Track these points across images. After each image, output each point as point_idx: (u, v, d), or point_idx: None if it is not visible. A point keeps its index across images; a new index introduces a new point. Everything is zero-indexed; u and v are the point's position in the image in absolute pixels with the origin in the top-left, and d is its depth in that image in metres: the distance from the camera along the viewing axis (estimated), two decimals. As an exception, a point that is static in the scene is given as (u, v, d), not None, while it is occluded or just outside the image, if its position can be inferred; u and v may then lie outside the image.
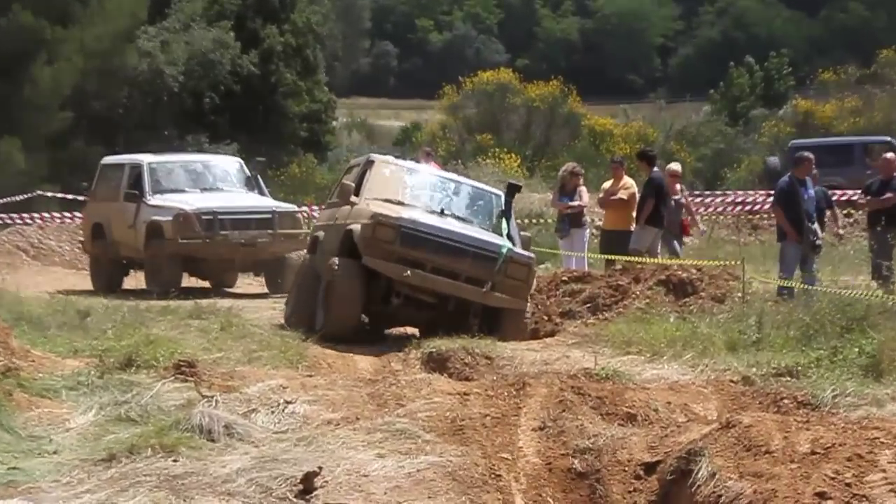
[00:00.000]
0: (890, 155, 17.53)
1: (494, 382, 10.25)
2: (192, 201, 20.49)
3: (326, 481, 7.38)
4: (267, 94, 33.84)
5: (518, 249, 14.28)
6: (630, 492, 8.00)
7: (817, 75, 47.07)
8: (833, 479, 6.76)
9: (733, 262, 15.81)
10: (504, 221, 14.80)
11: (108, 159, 23.68)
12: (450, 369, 12.02)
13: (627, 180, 18.60)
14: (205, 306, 15.46)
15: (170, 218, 20.11)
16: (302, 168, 34.63)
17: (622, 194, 18.23)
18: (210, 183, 21.70)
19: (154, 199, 20.82)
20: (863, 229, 20.70)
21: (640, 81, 79.99)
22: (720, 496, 7.15)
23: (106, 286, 20.48)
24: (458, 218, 14.53)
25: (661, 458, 8.07)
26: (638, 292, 15.01)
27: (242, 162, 22.89)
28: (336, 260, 13.92)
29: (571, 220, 18.73)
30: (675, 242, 18.55)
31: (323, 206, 17.28)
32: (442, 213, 14.50)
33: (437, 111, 47.70)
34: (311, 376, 11.29)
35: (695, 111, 50.19)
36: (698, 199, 30.05)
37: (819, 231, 15.88)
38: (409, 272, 13.54)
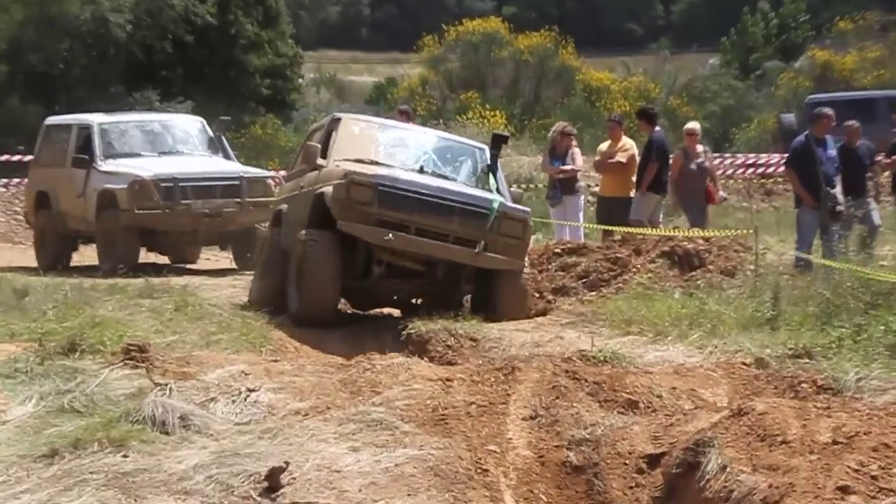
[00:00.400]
0: (916, 108, 17.59)
1: (480, 367, 10.28)
2: (149, 167, 20.16)
3: (294, 478, 7.39)
4: (224, 47, 33.73)
5: (511, 204, 14.14)
6: (632, 487, 8.02)
7: (835, 23, 47.01)
8: (857, 471, 6.79)
9: (745, 232, 15.83)
10: (491, 176, 14.63)
11: (53, 119, 23.38)
12: (431, 352, 12.03)
13: (627, 141, 18.58)
14: (157, 284, 15.44)
15: (124, 186, 19.75)
16: (265, 129, 34.52)
17: (621, 157, 18.23)
18: (169, 146, 21.40)
19: (106, 165, 20.50)
20: (889, 193, 20.71)
21: (641, 31, 79.90)
22: (732, 491, 7.17)
23: (52, 262, 20.31)
24: (439, 175, 14.43)
25: (666, 450, 8.09)
26: (639, 266, 15.03)
27: (205, 122, 22.52)
28: (306, 232, 13.75)
29: (564, 186, 18.64)
30: (698, 212, 18.14)
31: (285, 174, 17.02)
32: (421, 170, 14.37)
33: (414, 65, 47.60)
34: (276, 361, 11.29)
35: (701, 63, 50.19)
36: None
37: (840, 196, 15.87)
38: (390, 235, 13.29)
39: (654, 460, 8.11)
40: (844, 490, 6.65)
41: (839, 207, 15.82)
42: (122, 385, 9.42)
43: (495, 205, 13.61)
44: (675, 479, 7.80)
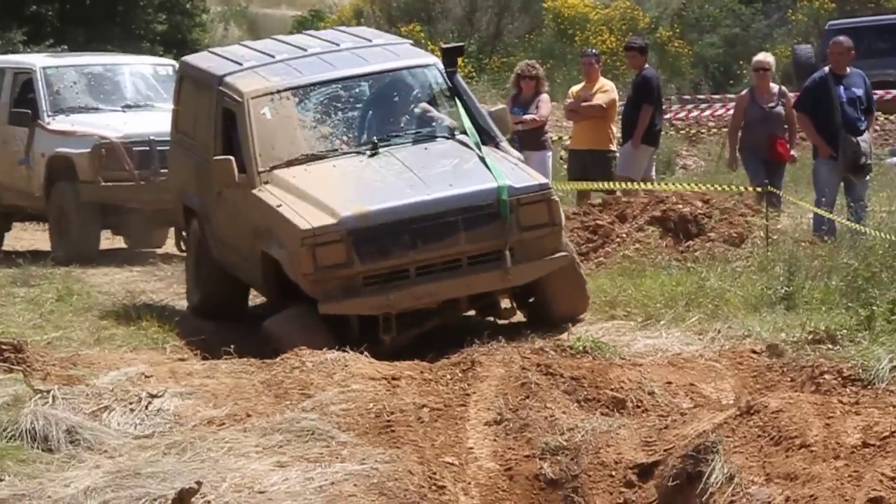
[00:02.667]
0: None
1: (432, 362, 10.31)
2: (116, 125, 18.81)
3: (208, 501, 7.44)
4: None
5: (520, 175, 12.59)
6: (619, 504, 8.14)
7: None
8: (893, 479, 6.90)
9: (753, 189, 15.92)
10: (458, 105, 13.21)
11: None
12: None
13: (605, 82, 18.57)
14: (33, 270, 15.43)
15: (85, 150, 18.41)
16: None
17: (599, 100, 18.22)
18: (134, 97, 19.99)
19: (56, 123, 19.21)
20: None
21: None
22: (740, 506, 7.28)
23: None
24: (398, 137, 13.03)
25: (661, 458, 8.20)
26: (624, 235, 15.09)
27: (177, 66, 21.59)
28: (272, 320, 12.24)
29: (526, 140, 18.54)
30: (763, 171, 16.62)
31: (171, 140, 15.20)
32: (374, 148, 12.87)
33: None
34: (183, 360, 11.34)
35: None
36: (704, 106, 30.29)
37: (864, 145, 15.98)
38: (391, 296, 11.92)
39: (645, 471, 8.22)
40: (877, 502, 6.76)
41: (864, 159, 15.92)
42: (-5, 393, 9.44)
43: (504, 192, 12.19)
44: (671, 492, 7.91)
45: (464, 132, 12.98)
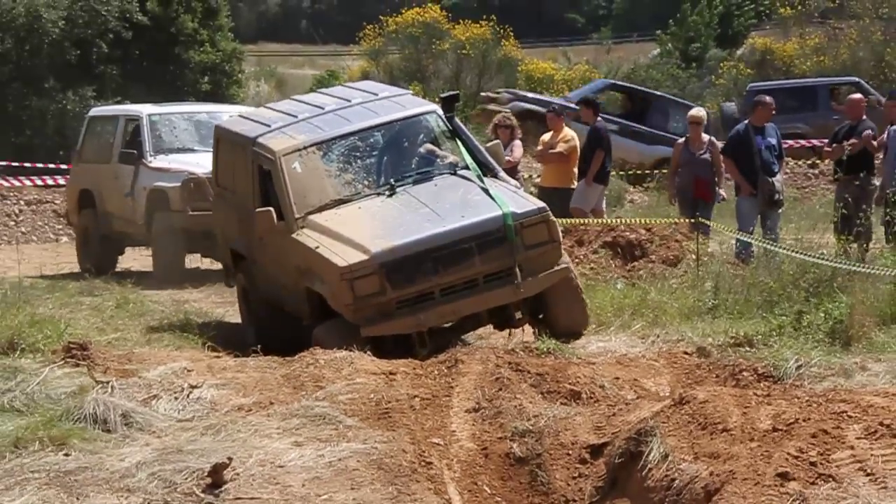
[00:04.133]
0: (857, 95, 17.64)
1: (423, 360, 10.29)
2: (204, 163, 17.80)
3: (237, 473, 7.43)
4: (163, 44, 33.55)
5: (519, 201, 12.28)
6: (575, 477, 8.11)
7: (775, 9, 47.31)
8: (796, 457, 6.89)
9: (686, 220, 15.92)
10: (459, 144, 12.87)
11: (98, 111, 21.84)
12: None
13: (568, 132, 18.62)
14: (97, 282, 15.40)
15: (177, 183, 17.80)
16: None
17: (561, 147, 18.27)
18: None
19: (156, 161, 18.95)
20: (828, 181, 20.88)
21: (582, 20, 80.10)
22: (673, 479, 7.27)
23: (95, 266, 18.90)
24: (411, 178, 12.64)
25: (609, 440, 8.18)
26: (581, 256, 15.09)
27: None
28: (318, 331, 11.77)
29: (502, 179, 18.70)
30: (690, 209, 16.49)
31: (214, 192, 14.67)
32: (392, 188, 12.45)
33: (355, 57, 47.53)
34: (218, 357, 11.31)
35: (643, 53, 50.38)
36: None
37: (778, 184, 16.00)
38: (421, 317, 11.62)
39: (596, 450, 8.20)
40: (784, 476, 6.75)
41: (777, 196, 15.96)
42: (63, 383, 9.42)
43: (508, 219, 11.87)
44: (617, 468, 7.89)
45: (466, 167, 12.66)
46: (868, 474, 6.69)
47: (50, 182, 26.77)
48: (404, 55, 43.08)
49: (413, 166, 12.84)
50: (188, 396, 9.20)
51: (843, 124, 16.63)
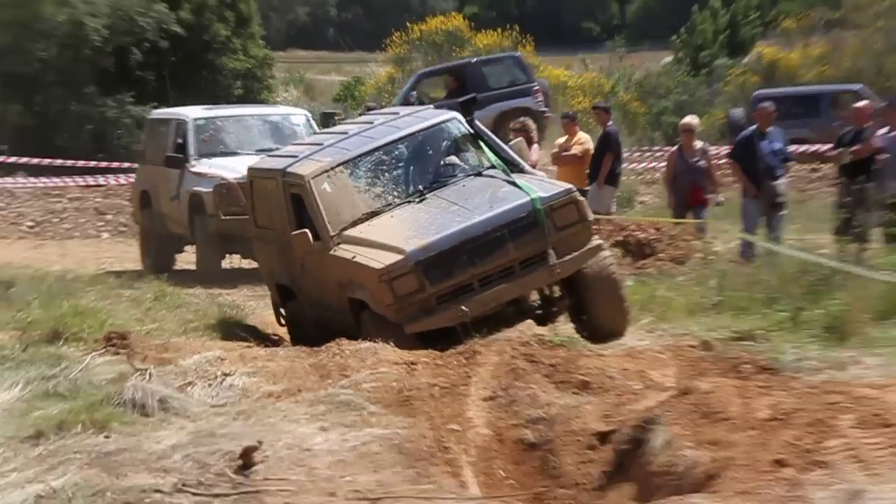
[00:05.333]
0: (862, 103, 17.57)
1: (443, 350, 10.36)
2: (240, 167, 17.11)
3: (267, 456, 7.48)
4: (198, 51, 33.64)
5: (543, 185, 11.97)
6: (583, 462, 8.17)
7: (781, 21, 47.29)
8: (792, 445, 6.96)
9: (695, 221, 15.99)
10: (483, 146, 12.53)
11: (157, 113, 21.45)
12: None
13: (582, 135, 18.71)
14: (136, 276, 15.48)
15: (211, 188, 17.76)
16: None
17: (576, 150, 18.34)
18: (272, 142, 18.61)
19: (199, 165, 18.54)
20: (830, 184, 20.87)
21: (597, 29, 79.96)
22: (676, 465, 7.32)
23: (155, 264, 18.83)
24: (439, 183, 12.30)
25: (616, 427, 8.24)
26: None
27: (310, 116, 20.02)
28: (370, 323, 11.46)
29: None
30: (686, 213, 16.77)
31: (254, 236, 13.94)
32: (421, 194, 12.16)
33: (380, 64, 47.57)
34: (250, 347, 11.37)
35: (655, 61, 50.30)
36: (659, 155, 30.28)
37: (781, 187, 16.04)
38: (464, 308, 11.22)
39: (604, 437, 8.26)
40: (780, 463, 6.82)
41: (780, 198, 15.99)
42: (104, 370, 9.51)
43: (537, 203, 11.51)
44: (623, 454, 7.95)
45: (492, 166, 12.32)
46: (859, 461, 6.74)
47: (91, 181, 26.92)
48: (427, 62, 43.12)
49: (440, 173, 12.46)
50: (221, 383, 9.27)
51: (847, 130, 16.56)
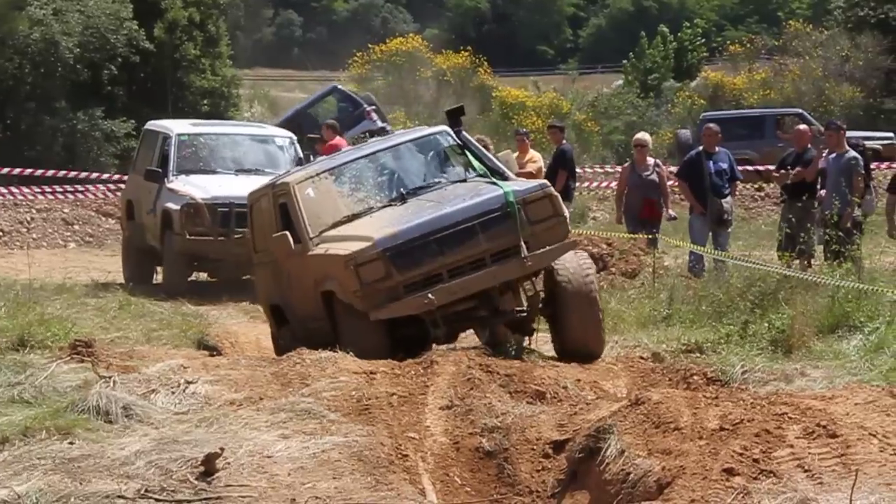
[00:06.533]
0: (803, 126, 17.79)
1: (401, 360, 10.28)
2: (210, 187, 17.12)
3: (228, 463, 7.40)
4: (168, 68, 33.56)
5: (524, 185, 11.60)
6: (538, 471, 8.11)
7: (726, 47, 47.74)
8: (741, 454, 6.90)
9: (645, 236, 15.97)
10: (470, 156, 12.13)
11: (151, 124, 20.17)
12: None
13: (534, 153, 18.68)
14: (102, 284, 15.34)
15: (178, 207, 17.14)
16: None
17: (529, 167, 18.29)
18: (253, 162, 18.15)
19: (175, 181, 17.69)
20: (774, 203, 20.96)
21: (552, 52, 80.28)
22: (629, 474, 7.27)
23: (133, 275, 18.00)
24: (422, 188, 11.95)
25: (570, 437, 8.18)
26: (547, 268, 15.08)
27: (294, 138, 19.15)
28: (347, 322, 11.21)
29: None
30: (638, 227, 16.43)
31: (253, 261, 13.27)
32: (403, 198, 11.79)
33: (342, 83, 47.62)
34: (213, 355, 11.27)
35: (606, 83, 50.54)
36: (611, 172, 30.35)
37: (726, 205, 16.07)
38: (430, 295, 10.81)
39: (559, 446, 8.19)
40: (730, 472, 6.77)
41: (726, 216, 16.03)
42: (69, 378, 9.38)
43: (510, 196, 11.10)
44: (577, 463, 7.88)
45: (478, 175, 11.88)
46: (806, 471, 6.71)
47: (59, 192, 26.71)
48: (388, 81, 43.19)
49: (423, 180, 12.12)
50: (184, 391, 9.15)
51: (789, 152, 16.67)
